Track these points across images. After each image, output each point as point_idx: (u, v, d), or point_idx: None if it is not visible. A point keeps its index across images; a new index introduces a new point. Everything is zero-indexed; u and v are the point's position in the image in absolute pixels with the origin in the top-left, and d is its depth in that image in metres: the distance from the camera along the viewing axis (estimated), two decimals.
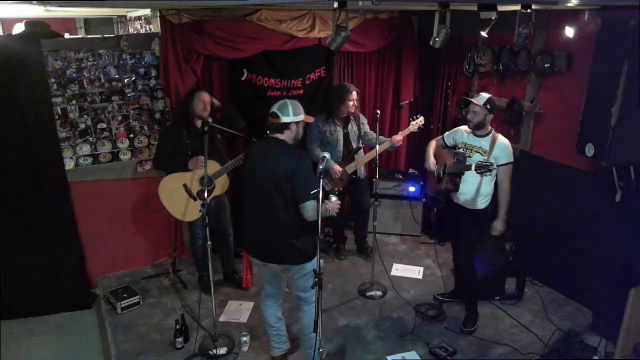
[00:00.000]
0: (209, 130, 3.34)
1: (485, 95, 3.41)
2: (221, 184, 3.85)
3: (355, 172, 4.40)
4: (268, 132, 2.96)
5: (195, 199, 3.76)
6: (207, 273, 3.50)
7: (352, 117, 4.33)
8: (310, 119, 3.07)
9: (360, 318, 3.88)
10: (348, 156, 4.34)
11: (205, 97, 3.74)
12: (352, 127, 4.35)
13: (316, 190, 2.55)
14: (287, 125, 2.87)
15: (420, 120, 4.34)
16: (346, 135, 4.34)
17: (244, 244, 3.31)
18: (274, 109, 2.89)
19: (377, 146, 4.04)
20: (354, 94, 4.20)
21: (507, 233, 4.27)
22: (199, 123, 3.72)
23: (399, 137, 4.26)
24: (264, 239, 2.97)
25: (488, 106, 3.36)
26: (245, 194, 3.10)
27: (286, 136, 2.90)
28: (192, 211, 3.79)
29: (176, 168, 3.73)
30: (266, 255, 2.99)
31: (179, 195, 3.75)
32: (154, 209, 4.02)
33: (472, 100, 3.44)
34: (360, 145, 4.41)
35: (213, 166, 3.71)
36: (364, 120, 4.48)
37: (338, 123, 4.29)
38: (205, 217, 3.19)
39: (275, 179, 2.79)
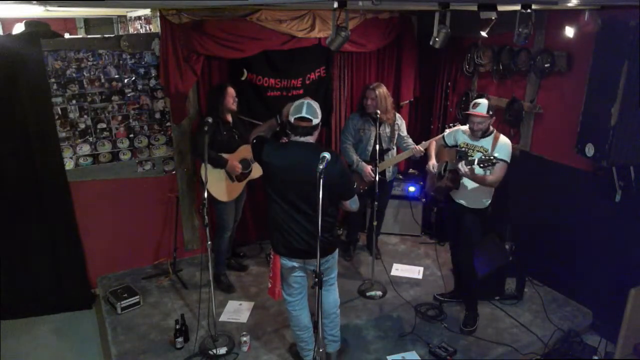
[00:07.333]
0: (209, 131, 3.41)
1: (485, 103, 3.39)
2: (258, 168, 4.04)
3: (383, 173, 4.37)
4: (292, 135, 2.82)
5: (233, 180, 3.99)
6: (225, 272, 4.06)
7: (385, 119, 4.24)
8: None
9: (360, 318, 3.88)
10: (377, 157, 4.17)
11: (233, 91, 3.90)
12: (385, 129, 4.30)
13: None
14: (317, 127, 2.81)
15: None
16: (378, 136, 4.24)
17: (278, 249, 3.01)
18: (303, 113, 2.73)
19: (378, 155, 4.06)
20: (368, 92, 4.17)
21: (507, 233, 4.25)
22: (229, 117, 3.94)
23: (420, 148, 4.05)
24: (311, 238, 2.84)
25: (490, 112, 3.38)
26: (278, 200, 2.88)
27: (314, 138, 2.85)
28: (233, 191, 4.02)
29: (214, 162, 3.80)
30: (312, 253, 2.84)
31: (220, 178, 3.91)
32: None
33: (476, 112, 3.39)
34: (391, 147, 4.37)
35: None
36: (400, 122, 4.42)
37: (372, 122, 4.24)
38: (205, 217, 3.20)
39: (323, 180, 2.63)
